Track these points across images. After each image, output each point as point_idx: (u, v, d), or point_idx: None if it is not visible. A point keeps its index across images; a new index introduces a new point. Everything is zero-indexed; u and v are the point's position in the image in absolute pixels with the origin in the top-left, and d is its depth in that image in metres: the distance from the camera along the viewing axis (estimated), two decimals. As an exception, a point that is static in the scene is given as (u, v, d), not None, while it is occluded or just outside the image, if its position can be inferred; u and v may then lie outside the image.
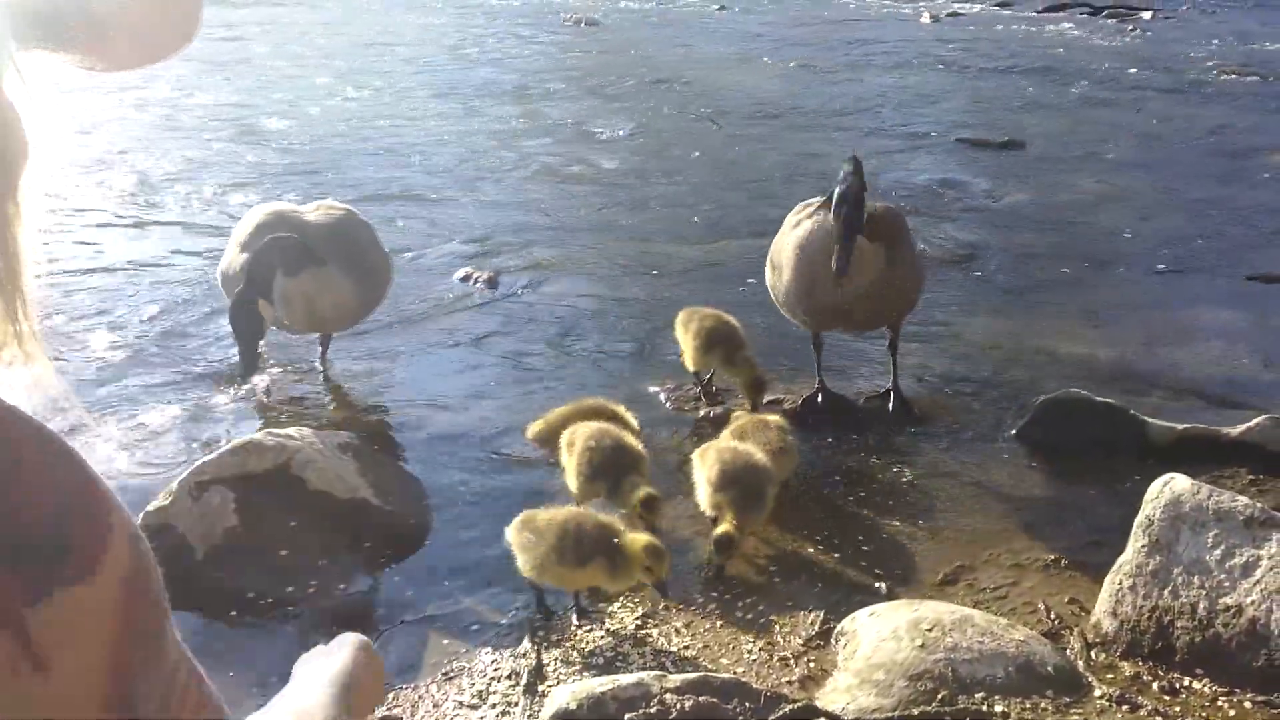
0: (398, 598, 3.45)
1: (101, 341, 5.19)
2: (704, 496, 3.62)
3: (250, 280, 4.27)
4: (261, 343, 4.37)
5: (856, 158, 4.32)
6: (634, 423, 4.17)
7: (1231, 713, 2.76)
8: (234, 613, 3.33)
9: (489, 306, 5.82)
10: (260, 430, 3.79)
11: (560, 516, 3.27)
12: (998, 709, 2.74)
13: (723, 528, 3.47)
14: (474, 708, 2.88)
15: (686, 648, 3.15)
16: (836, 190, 4.16)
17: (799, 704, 2.76)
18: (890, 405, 4.63)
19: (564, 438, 3.83)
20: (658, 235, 7.04)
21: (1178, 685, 2.88)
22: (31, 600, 0.66)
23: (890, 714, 2.72)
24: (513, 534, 3.29)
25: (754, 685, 2.86)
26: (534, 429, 4.24)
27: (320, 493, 3.65)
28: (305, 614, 3.32)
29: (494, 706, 2.87)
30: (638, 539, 3.17)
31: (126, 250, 6.51)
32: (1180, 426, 4.24)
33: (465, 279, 6.14)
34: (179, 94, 10.44)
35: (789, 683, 2.96)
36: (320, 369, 4.99)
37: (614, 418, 4.11)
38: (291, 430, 3.83)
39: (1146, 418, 4.28)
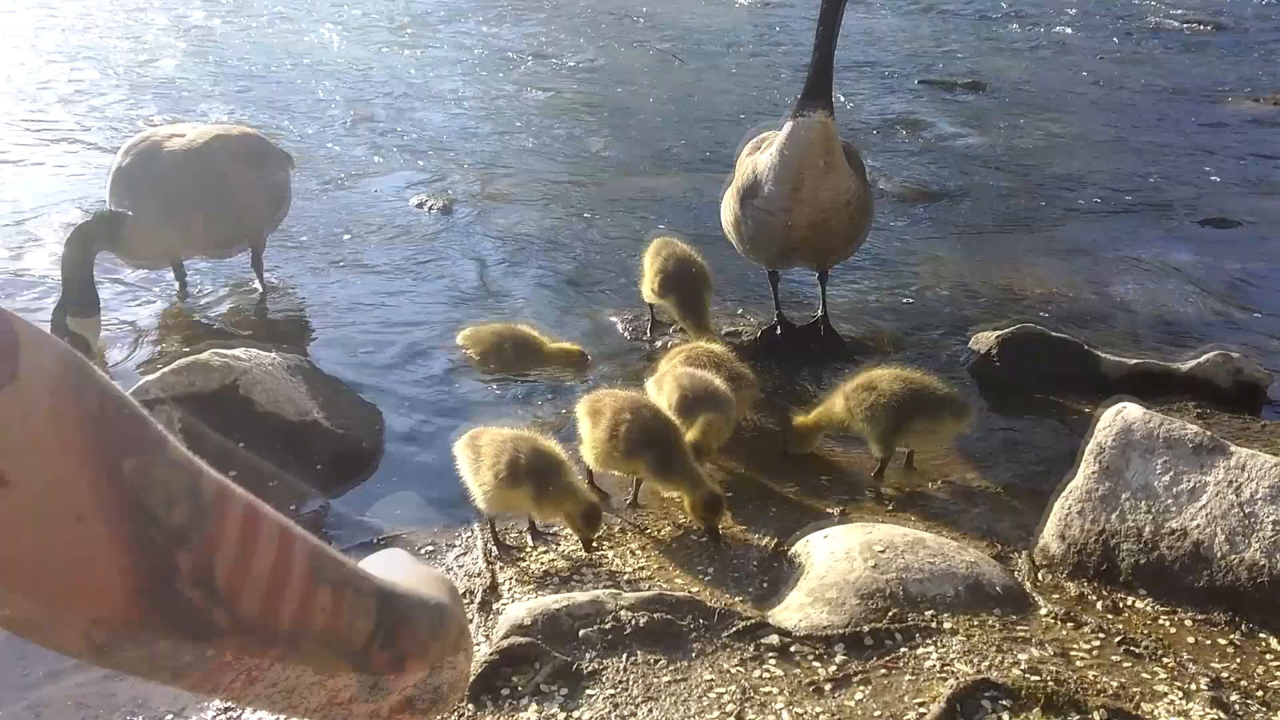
0: (350, 519, 3.42)
1: (37, 257, 5.05)
2: None
3: (64, 293, 4.16)
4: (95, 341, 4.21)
5: None
6: (550, 345, 4.38)
7: (1172, 630, 2.81)
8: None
9: (443, 233, 5.73)
10: (206, 350, 3.70)
11: (502, 436, 3.23)
12: (946, 625, 2.76)
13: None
14: (426, 624, 2.86)
15: (641, 569, 3.15)
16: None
17: (752, 620, 2.76)
18: (820, 333, 4.64)
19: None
20: (616, 166, 6.97)
21: (1121, 603, 2.93)
22: None
23: (841, 630, 2.73)
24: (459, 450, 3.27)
25: (708, 603, 2.86)
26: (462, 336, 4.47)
27: (269, 414, 3.59)
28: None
29: (446, 623, 2.85)
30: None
31: (61, 167, 6.33)
32: (1132, 361, 4.28)
33: (419, 205, 6.04)
34: (171, 36, 10.13)
35: (743, 600, 2.96)
36: (260, 289, 4.90)
37: (535, 342, 4.37)
38: (239, 350, 3.74)
39: (1100, 352, 4.31)
